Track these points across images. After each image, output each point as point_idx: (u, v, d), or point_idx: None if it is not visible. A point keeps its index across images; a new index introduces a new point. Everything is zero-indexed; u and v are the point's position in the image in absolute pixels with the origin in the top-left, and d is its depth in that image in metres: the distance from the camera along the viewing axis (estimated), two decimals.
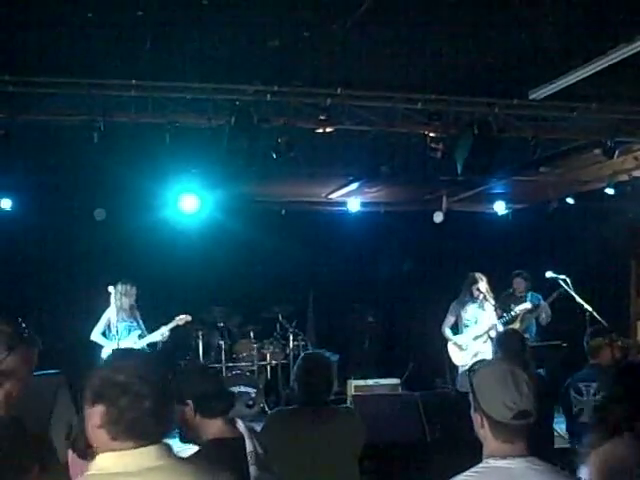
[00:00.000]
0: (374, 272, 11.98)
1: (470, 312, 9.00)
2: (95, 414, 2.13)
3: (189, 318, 8.99)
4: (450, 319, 9.09)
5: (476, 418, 2.52)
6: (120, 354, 2.25)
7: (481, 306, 8.97)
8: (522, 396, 2.42)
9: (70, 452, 3.98)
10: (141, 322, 8.68)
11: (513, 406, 2.40)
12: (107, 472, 2.09)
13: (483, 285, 8.88)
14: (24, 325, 2.73)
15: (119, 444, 2.12)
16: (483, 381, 2.52)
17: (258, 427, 4.04)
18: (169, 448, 2.20)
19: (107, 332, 8.57)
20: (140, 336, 8.59)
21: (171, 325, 8.85)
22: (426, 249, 11.78)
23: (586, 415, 5.15)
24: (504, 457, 2.42)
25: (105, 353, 8.57)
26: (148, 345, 8.66)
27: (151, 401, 2.14)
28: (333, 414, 4.32)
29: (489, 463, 2.44)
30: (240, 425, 3.36)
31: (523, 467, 2.40)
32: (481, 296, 8.88)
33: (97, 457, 2.14)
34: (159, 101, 6.34)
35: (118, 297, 8.48)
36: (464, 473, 2.44)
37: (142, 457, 2.12)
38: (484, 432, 2.50)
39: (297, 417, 4.30)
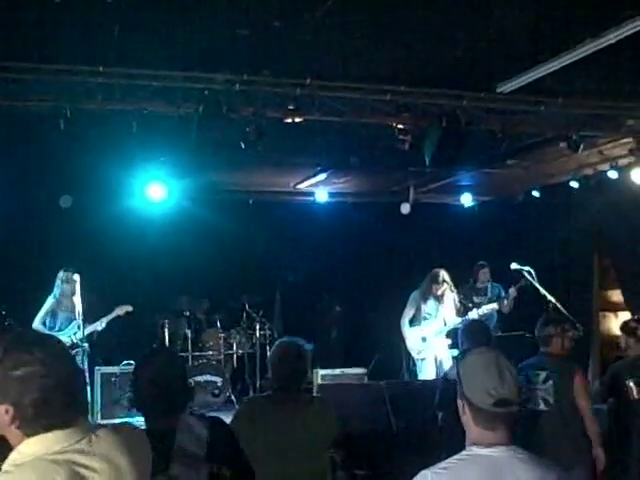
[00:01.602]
0: (341, 262, 12.01)
1: (430, 305, 9.07)
2: (1, 411, 2.04)
3: (130, 308, 8.82)
4: (410, 311, 9.13)
5: (460, 404, 2.54)
6: (17, 346, 2.14)
7: (440, 300, 9.04)
8: (504, 384, 2.43)
9: None
10: (81, 311, 8.32)
11: (494, 393, 2.41)
12: (38, 456, 2.02)
13: (445, 282, 8.96)
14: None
15: (35, 435, 2.06)
16: (468, 368, 2.54)
17: (225, 416, 4.04)
18: (88, 426, 2.14)
19: (48, 321, 8.46)
20: (79, 326, 8.29)
21: (111, 316, 8.69)
22: (393, 240, 11.83)
23: (532, 402, 5.22)
24: (487, 445, 2.44)
25: None
26: (87, 336, 8.45)
27: (58, 392, 2.06)
28: (307, 402, 4.35)
29: (472, 451, 2.46)
30: (184, 418, 3.28)
31: (506, 456, 2.43)
32: (440, 292, 8.98)
33: (20, 446, 2.06)
34: (126, 88, 6.26)
35: (59, 284, 8.38)
36: (447, 460, 2.46)
37: (66, 436, 2.07)
38: (466, 419, 2.51)
39: (270, 404, 4.29)
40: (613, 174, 8.84)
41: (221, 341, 10.39)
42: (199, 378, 9.64)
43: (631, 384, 5.56)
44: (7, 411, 2.04)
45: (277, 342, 4.59)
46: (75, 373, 2.21)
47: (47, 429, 2.06)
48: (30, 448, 2.05)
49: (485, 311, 9.16)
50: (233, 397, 9.79)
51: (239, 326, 10.73)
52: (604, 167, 9.06)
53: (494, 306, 9.32)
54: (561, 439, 5.15)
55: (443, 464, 2.44)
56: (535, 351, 5.62)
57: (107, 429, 2.19)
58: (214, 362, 10.23)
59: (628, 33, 5.26)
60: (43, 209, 9.93)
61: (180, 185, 9.74)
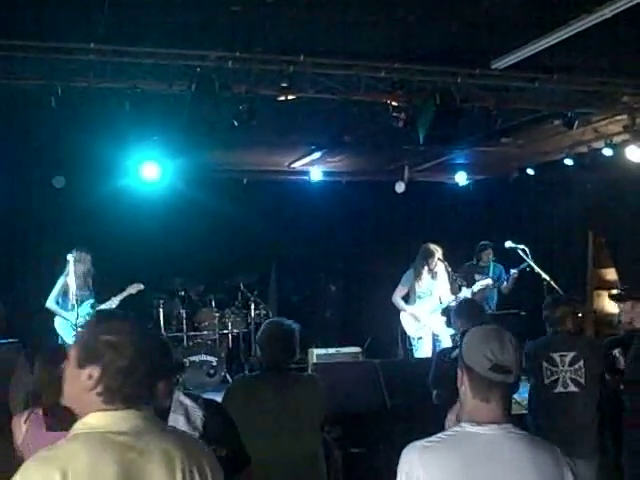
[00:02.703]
0: (336, 242, 12.00)
1: (425, 284, 9.02)
2: (84, 376, 2.08)
3: (141, 287, 8.90)
4: (402, 290, 9.11)
5: (459, 375, 2.54)
6: (107, 315, 2.19)
7: (435, 277, 9.02)
8: (503, 351, 2.43)
9: (24, 423, 3.95)
10: (93, 291, 8.54)
11: (492, 357, 2.41)
12: (101, 431, 2.04)
13: (438, 257, 8.93)
14: None
15: (110, 407, 2.08)
16: (471, 337, 2.55)
17: (218, 397, 4.04)
18: (154, 414, 2.18)
19: (61, 300, 8.46)
20: (92, 306, 8.43)
21: (124, 294, 8.77)
22: (388, 219, 11.83)
23: (561, 385, 5.11)
24: (479, 423, 2.42)
25: (57, 322, 8.46)
26: None
27: (141, 364, 2.10)
28: (296, 380, 4.39)
29: (462, 427, 2.45)
30: (177, 397, 3.29)
31: (497, 434, 2.40)
32: (436, 268, 8.94)
33: (86, 417, 2.08)
34: (118, 66, 6.20)
35: (73, 264, 8.37)
36: (437, 435, 2.45)
37: (135, 418, 2.08)
38: (464, 389, 2.50)
39: (260, 383, 4.35)
40: (608, 151, 8.82)
41: (216, 321, 10.39)
42: (194, 358, 9.65)
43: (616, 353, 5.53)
44: (91, 376, 2.07)
45: (266, 322, 4.67)
46: (157, 351, 2.25)
47: (124, 401, 2.08)
48: (94, 420, 2.06)
49: (479, 287, 9.14)
50: (228, 377, 9.79)
51: (234, 306, 10.73)
52: (599, 144, 9.04)
53: (488, 281, 9.31)
54: (591, 422, 5.14)
55: (433, 438, 2.44)
56: (532, 330, 5.60)
57: (170, 426, 2.25)
58: (209, 342, 10.24)
59: (623, 8, 5.21)
60: (36, 189, 9.89)
61: (174, 164, 9.69)
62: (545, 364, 5.16)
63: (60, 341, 8.28)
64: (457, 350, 2.71)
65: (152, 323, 10.13)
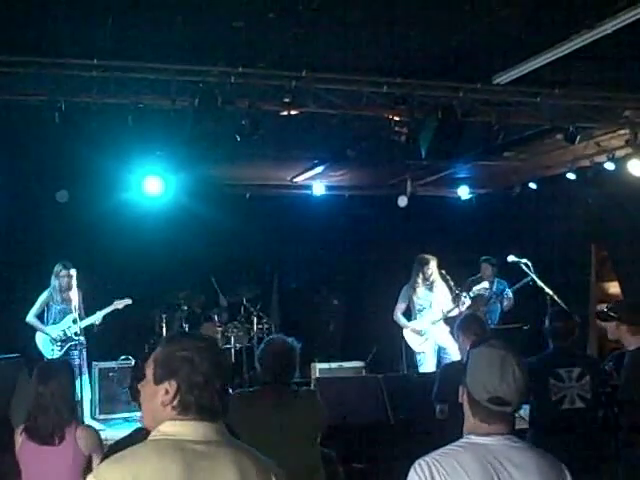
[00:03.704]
0: (339, 256, 12.00)
1: (422, 296, 9.01)
2: (162, 391, 2.16)
3: (129, 301, 8.80)
4: (401, 305, 9.10)
5: (461, 391, 2.57)
6: (181, 333, 2.31)
7: (432, 289, 9.00)
8: (503, 384, 2.44)
9: (19, 435, 4.02)
10: (78, 305, 8.30)
11: (491, 390, 2.43)
12: (173, 438, 2.10)
13: (433, 266, 8.92)
14: None
15: (184, 417, 2.15)
16: (474, 359, 2.56)
17: None
18: (226, 427, 2.24)
19: (41, 314, 8.47)
20: (74, 320, 8.25)
21: (108, 309, 8.66)
22: (390, 233, 11.82)
23: (568, 402, 5.08)
24: (483, 435, 2.47)
25: (38, 337, 8.41)
26: (84, 330, 8.48)
27: (215, 378, 2.18)
28: (294, 395, 4.40)
29: (469, 439, 2.49)
30: None
31: (501, 444, 2.45)
32: (432, 277, 8.92)
33: (161, 425, 2.15)
34: (121, 81, 6.24)
35: (53, 279, 8.38)
36: (444, 447, 2.48)
37: (207, 428, 2.15)
38: (466, 407, 2.55)
39: (257, 398, 4.38)
40: (610, 165, 8.82)
41: (218, 335, 10.37)
42: None
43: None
44: (167, 391, 2.15)
45: (266, 338, 4.74)
46: (225, 369, 2.29)
47: (198, 413, 2.15)
48: (168, 428, 2.14)
49: (476, 292, 9.11)
50: (231, 391, 9.75)
51: (236, 320, 10.71)
52: (601, 159, 9.04)
53: (484, 285, 9.29)
54: (595, 436, 5.11)
55: (440, 451, 2.46)
56: (535, 344, 5.55)
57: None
58: None
59: (625, 23, 5.24)
60: (39, 203, 9.90)
61: (177, 179, 9.70)
62: (552, 381, 5.10)
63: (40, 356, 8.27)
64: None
65: (154, 337, 10.13)
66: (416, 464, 2.42)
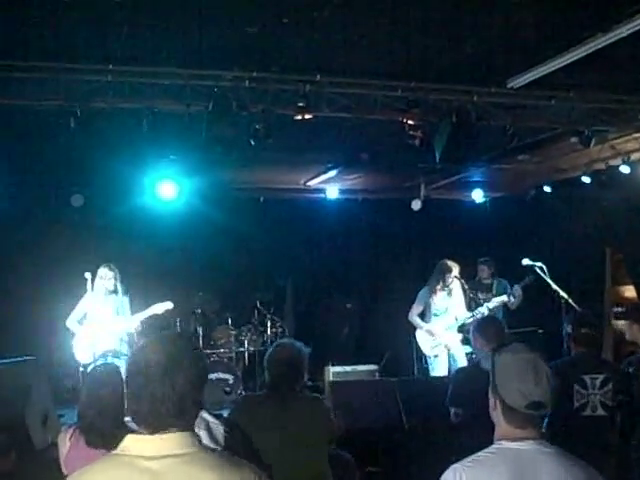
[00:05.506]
0: (352, 259, 12.00)
1: (440, 301, 8.96)
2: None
3: (170, 305, 8.21)
4: (418, 307, 9.04)
5: (491, 400, 2.58)
6: (146, 339, 2.21)
7: (450, 295, 8.96)
8: (539, 387, 2.46)
9: (69, 440, 3.97)
10: (123, 307, 8.11)
11: (528, 396, 2.45)
12: (128, 454, 2.07)
13: (455, 274, 8.88)
14: None
15: (142, 429, 2.12)
16: (504, 366, 2.56)
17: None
18: (195, 437, 2.15)
19: (83, 320, 8.36)
20: (113, 322, 8.01)
21: (147, 313, 8.06)
22: (404, 237, 11.81)
23: (590, 409, 4.98)
24: (515, 440, 2.48)
25: (76, 340, 8.23)
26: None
27: (169, 387, 2.08)
28: (299, 401, 4.38)
29: (501, 444, 2.50)
30: (201, 414, 3.30)
31: (533, 449, 2.46)
32: (452, 284, 8.88)
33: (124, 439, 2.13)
34: (136, 86, 6.28)
35: (96, 282, 8.20)
36: (477, 454, 2.50)
37: (162, 443, 2.08)
38: (497, 415, 2.56)
39: (263, 402, 4.37)
40: (625, 169, 8.79)
41: (232, 339, 10.39)
42: (211, 376, 9.61)
43: None
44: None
45: (275, 343, 4.71)
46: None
47: (146, 425, 2.12)
48: (125, 442, 2.12)
49: (495, 304, 9.06)
50: (243, 393, 9.78)
51: (250, 323, 10.73)
52: (616, 162, 9.01)
53: (503, 298, 9.19)
54: (616, 444, 5.04)
55: (473, 457, 2.49)
56: (551, 347, 5.50)
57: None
58: (225, 360, 10.23)
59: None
60: (55, 207, 9.96)
61: (191, 183, 9.75)
62: (576, 387, 5.00)
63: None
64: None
65: None
66: (449, 470, 2.45)
